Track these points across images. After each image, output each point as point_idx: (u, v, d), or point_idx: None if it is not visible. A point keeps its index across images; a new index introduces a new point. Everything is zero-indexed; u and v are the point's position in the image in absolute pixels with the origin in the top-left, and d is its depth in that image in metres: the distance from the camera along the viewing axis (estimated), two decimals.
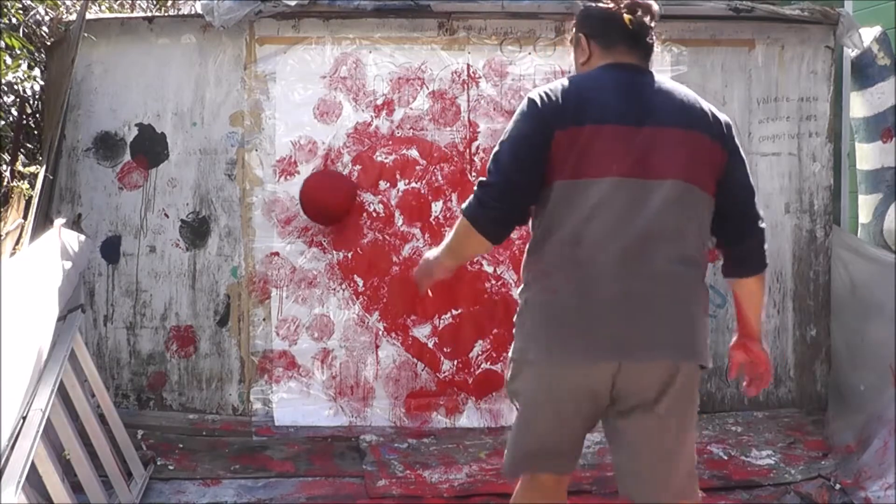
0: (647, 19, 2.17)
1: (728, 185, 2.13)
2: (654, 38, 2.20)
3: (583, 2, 2.26)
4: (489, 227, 2.09)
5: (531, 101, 2.09)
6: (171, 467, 3.62)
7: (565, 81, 2.13)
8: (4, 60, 3.64)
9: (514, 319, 2.17)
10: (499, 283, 4.16)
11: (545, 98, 2.08)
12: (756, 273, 2.22)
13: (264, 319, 4.10)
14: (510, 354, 2.19)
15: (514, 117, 2.11)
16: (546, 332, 2.07)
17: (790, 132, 4.30)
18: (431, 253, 2.27)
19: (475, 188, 2.11)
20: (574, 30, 2.24)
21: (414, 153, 4.14)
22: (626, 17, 2.14)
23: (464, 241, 2.16)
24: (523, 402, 2.16)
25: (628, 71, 2.14)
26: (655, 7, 2.22)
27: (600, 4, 2.18)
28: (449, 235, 2.21)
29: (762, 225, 2.19)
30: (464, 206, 2.12)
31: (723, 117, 2.16)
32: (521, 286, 2.16)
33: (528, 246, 2.15)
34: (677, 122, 2.07)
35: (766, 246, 2.22)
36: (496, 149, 2.10)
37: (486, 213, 2.07)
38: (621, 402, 2.07)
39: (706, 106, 2.15)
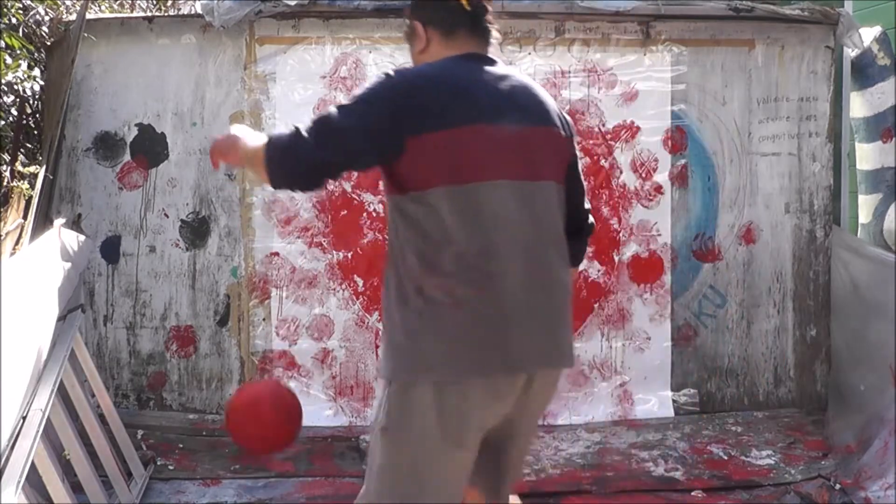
0: (478, 4, 2.04)
1: (571, 181, 2.11)
2: (492, 20, 2.08)
3: None
4: (277, 179, 1.89)
5: (390, 92, 1.88)
6: (171, 467, 3.62)
7: (425, 74, 1.95)
8: (4, 60, 3.64)
9: (388, 337, 1.96)
10: None
11: (406, 94, 1.87)
12: (577, 264, 2.22)
13: (264, 319, 4.10)
14: (386, 376, 1.96)
15: (368, 94, 1.88)
16: (457, 347, 1.85)
17: (790, 132, 4.30)
18: (239, 134, 2.01)
19: (293, 132, 1.86)
20: (408, 18, 2.10)
21: None
22: (450, 3, 2.02)
23: (254, 163, 1.93)
24: (415, 440, 1.89)
25: (481, 62, 2.00)
26: None
27: None
28: (251, 142, 1.97)
29: (590, 223, 2.23)
30: (275, 136, 1.89)
31: (563, 112, 2.14)
32: (398, 297, 1.93)
33: (405, 252, 1.92)
34: (545, 120, 2.02)
35: (586, 246, 2.28)
36: (333, 113, 1.85)
37: (284, 170, 1.87)
38: (519, 413, 1.96)
39: (549, 98, 2.09)
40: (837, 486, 3.41)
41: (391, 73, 1.93)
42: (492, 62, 2.03)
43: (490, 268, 1.86)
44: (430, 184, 1.86)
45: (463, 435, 1.88)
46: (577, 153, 2.17)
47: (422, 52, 2.07)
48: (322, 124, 1.85)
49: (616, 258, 4.24)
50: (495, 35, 2.09)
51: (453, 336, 1.86)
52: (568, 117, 2.15)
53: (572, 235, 2.10)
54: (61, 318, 2.89)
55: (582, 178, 2.19)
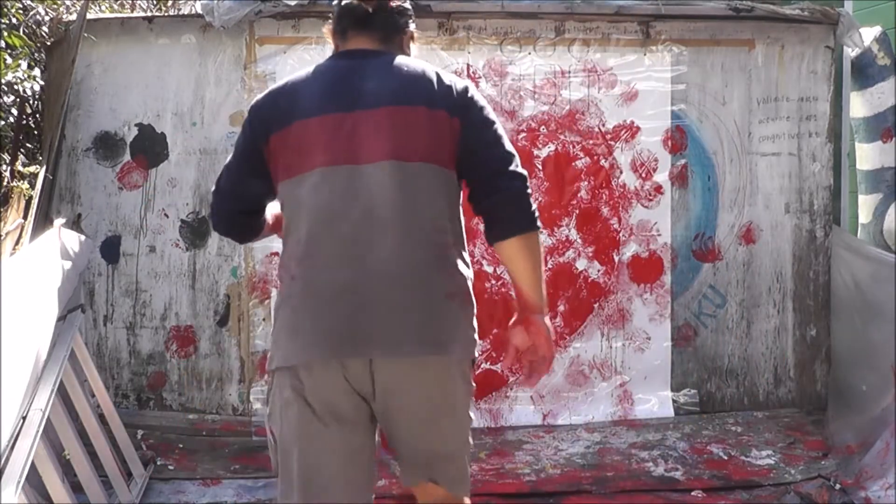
0: (380, 2, 2.06)
1: (467, 150, 1.97)
2: (400, 22, 2.09)
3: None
4: (223, 231, 2.19)
5: (249, 111, 2.07)
6: (171, 467, 3.62)
7: (285, 81, 2.06)
8: (4, 60, 3.64)
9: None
10: (499, 283, 4.15)
11: (258, 106, 2.04)
12: (507, 235, 1.94)
13: (264, 319, 4.09)
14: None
15: (241, 129, 2.08)
16: (283, 336, 1.94)
17: (790, 132, 4.30)
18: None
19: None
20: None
21: None
22: (343, 4, 2.06)
23: None
24: (277, 423, 1.99)
25: (351, 58, 2.03)
26: None
27: None
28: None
29: (514, 183, 1.96)
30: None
31: (455, 84, 2.00)
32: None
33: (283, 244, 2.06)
34: (388, 101, 1.93)
35: (520, 206, 1.96)
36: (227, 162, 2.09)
37: (212, 217, 2.16)
38: (385, 403, 1.93)
39: (434, 77, 1.99)
40: (837, 486, 3.41)
41: (253, 102, 2.08)
42: (372, 54, 2.03)
43: (307, 257, 1.91)
44: (277, 181, 1.99)
45: (309, 415, 1.90)
46: (482, 120, 2.00)
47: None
48: (218, 177, 2.10)
49: (616, 258, 4.24)
50: (408, 44, 2.12)
51: (281, 326, 1.95)
52: (462, 88, 2.00)
53: (481, 202, 1.98)
54: (61, 318, 2.89)
55: (489, 140, 1.99)
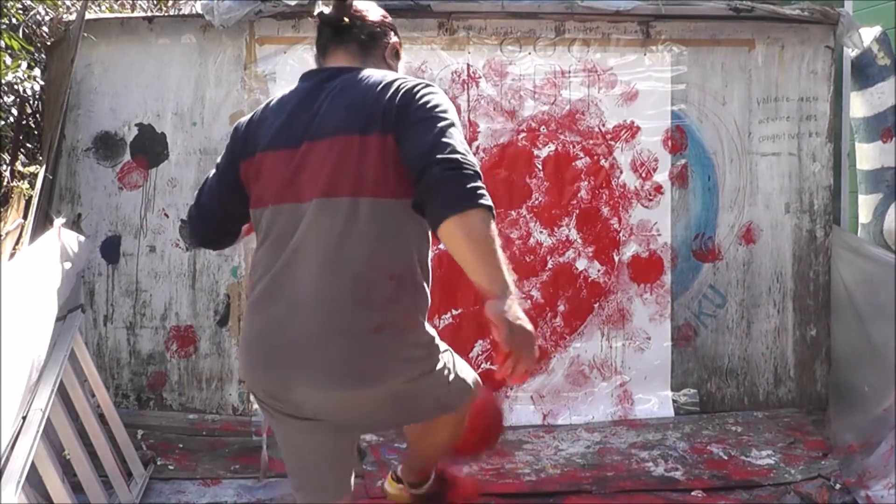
0: (341, 12, 2.04)
1: (403, 158, 1.85)
2: (378, 31, 2.09)
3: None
4: (190, 243, 2.27)
5: (232, 130, 2.15)
6: (171, 467, 3.62)
7: (264, 103, 2.11)
8: (4, 60, 3.64)
9: None
10: None
11: (238, 127, 2.11)
12: (438, 220, 1.74)
13: None
14: None
15: None
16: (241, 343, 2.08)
17: (790, 132, 4.30)
18: None
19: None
20: None
21: None
22: (320, 17, 2.06)
23: None
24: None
25: (316, 79, 2.02)
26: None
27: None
28: None
29: (443, 165, 1.75)
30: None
31: (401, 92, 1.89)
32: None
33: None
34: (331, 132, 1.90)
35: (451, 183, 1.75)
36: None
37: (186, 228, 2.28)
38: (326, 417, 2.00)
39: (381, 94, 1.90)
40: (837, 486, 3.41)
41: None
42: (338, 72, 2.01)
43: (251, 287, 2.00)
44: (250, 206, 2.07)
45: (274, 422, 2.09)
46: (418, 114, 1.86)
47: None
48: (199, 188, 2.18)
49: (616, 258, 4.24)
50: (390, 54, 2.13)
51: (242, 336, 2.07)
52: (405, 90, 1.90)
53: (415, 190, 1.82)
54: (61, 318, 2.89)
55: (421, 138, 1.82)
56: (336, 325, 1.86)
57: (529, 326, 1.75)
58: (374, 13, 2.12)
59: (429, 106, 1.86)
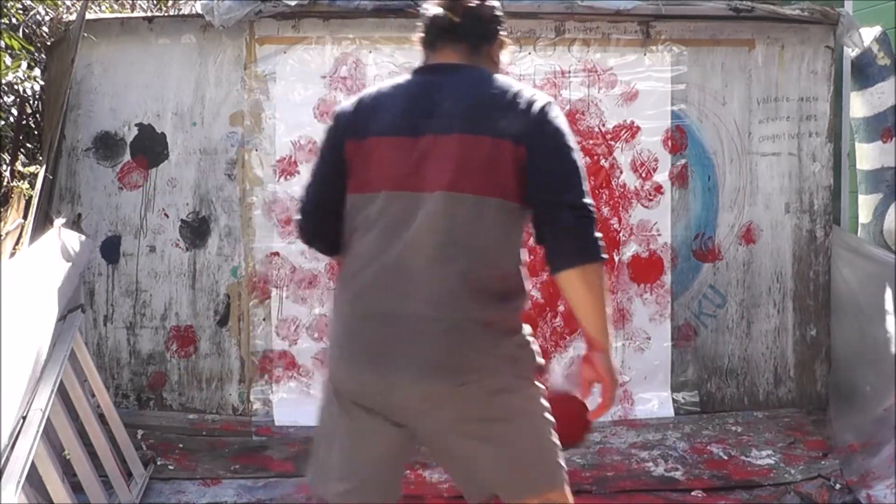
0: (455, 10, 2.03)
1: (530, 175, 1.91)
2: (490, 29, 2.07)
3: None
4: (308, 243, 2.16)
5: (333, 117, 2.09)
6: (171, 467, 3.62)
7: (369, 90, 2.09)
8: (4, 60, 3.64)
9: None
10: None
11: (342, 110, 2.07)
12: (562, 267, 1.88)
13: (264, 319, 4.09)
14: None
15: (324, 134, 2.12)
16: (329, 345, 2.05)
17: (790, 132, 4.30)
18: None
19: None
20: None
21: None
22: (434, 9, 2.05)
23: None
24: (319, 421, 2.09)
25: (432, 73, 2.04)
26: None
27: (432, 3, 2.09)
28: None
29: (570, 214, 1.87)
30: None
31: (533, 106, 1.93)
32: None
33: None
34: (457, 128, 1.92)
35: (576, 237, 1.88)
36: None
37: (299, 234, 2.16)
38: (416, 424, 1.96)
39: (509, 99, 1.94)
40: (838, 486, 3.41)
41: (337, 106, 2.14)
42: (453, 69, 2.02)
43: (358, 277, 1.95)
44: (348, 191, 2.01)
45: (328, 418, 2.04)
46: (550, 141, 1.93)
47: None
48: (303, 188, 2.13)
49: (616, 258, 4.24)
50: (499, 51, 2.10)
51: (331, 335, 2.04)
52: (536, 109, 1.93)
53: (538, 232, 1.94)
54: (61, 319, 2.89)
55: (552, 167, 1.91)
56: (448, 317, 1.88)
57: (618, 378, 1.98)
58: (486, 10, 2.07)
59: (561, 133, 1.94)
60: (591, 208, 1.90)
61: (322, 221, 2.07)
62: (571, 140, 1.95)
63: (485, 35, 2.07)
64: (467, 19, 2.03)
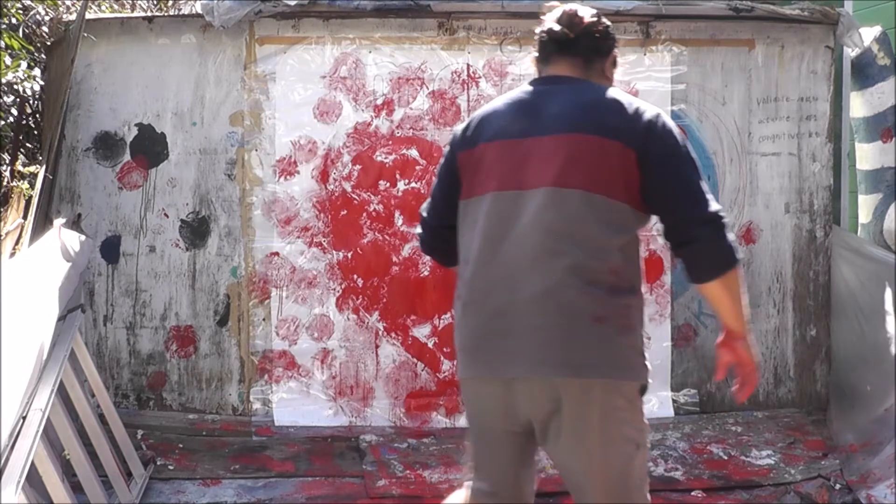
0: (572, 27, 2.13)
1: (652, 188, 1.98)
2: (604, 46, 2.16)
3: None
4: (431, 255, 2.40)
5: (450, 138, 2.21)
6: (171, 467, 3.62)
7: (484, 107, 2.19)
8: (4, 60, 3.64)
9: None
10: None
11: (459, 128, 2.18)
12: (703, 280, 2.01)
13: (264, 319, 4.09)
14: None
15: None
16: (457, 349, 2.11)
17: (790, 132, 4.30)
18: None
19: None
20: None
21: (414, 153, 4.14)
22: (552, 25, 2.16)
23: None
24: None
25: (543, 84, 2.13)
26: (581, 10, 2.16)
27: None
28: None
29: (706, 230, 1.96)
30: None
31: (643, 115, 1.99)
32: None
33: None
34: (565, 128, 1.99)
35: (714, 252, 1.98)
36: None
37: (423, 248, 2.37)
38: (534, 417, 1.99)
39: (619, 107, 2.01)
40: (837, 486, 3.41)
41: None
42: (563, 81, 2.10)
43: (472, 279, 2.03)
44: (459, 198, 2.12)
45: (473, 420, 2.11)
46: (666, 151, 1.99)
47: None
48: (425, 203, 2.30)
49: None
50: (610, 68, 2.19)
51: (455, 339, 2.11)
52: (650, 119, 1.99)
53: (675, 247, 2.05)
54: (61, 319, 2.89)
55: (675, 182, 1.98)
56: (559, 312, 1.92)
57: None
58: (601, 27, 2.16)
59: (673, 141, 2.01)
60: (722, 214, 1.96)
61: (439, 235, 2.22)
62: (685, 148, 2.02)
63: (598, 50, 2.16)
64: (583, 35, 2.12)
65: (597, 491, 1.99)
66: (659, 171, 1.98)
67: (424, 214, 2.27)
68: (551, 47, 2.14)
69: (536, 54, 2.18)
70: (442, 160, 2.21)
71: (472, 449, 2.14)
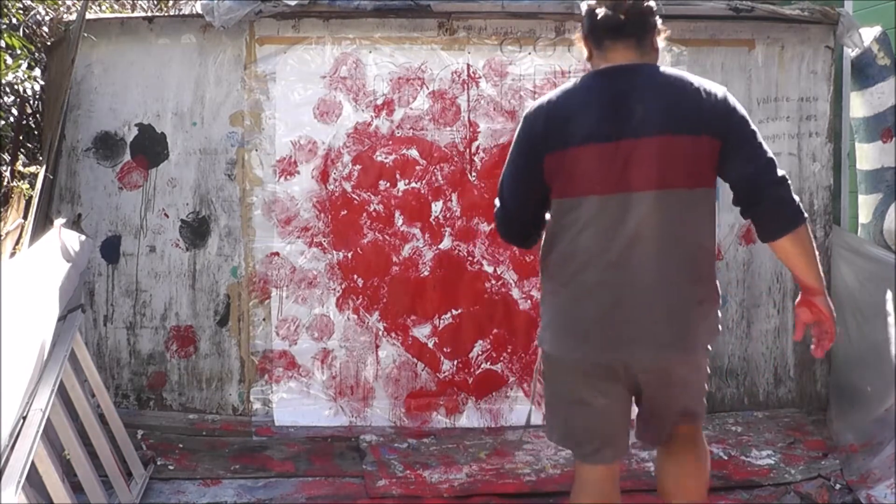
0: (630, 7, 2.23)
1: (731, 165, 2.20)
2: (651, 21, 2.27)
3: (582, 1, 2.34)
4: (509, 242, 2.55)
5: (523, 125, 2.30)
6: (171, 467, 3.62)
7: (556, 96, 2.27)
8: (4, 60, 3.65)
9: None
10: (499, 283, 4.16)
11: (533, 121, 2.27)
12: (777, 235, 2.22)
13: (264, 319, 4.10)
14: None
15: (515, 138, 2.33)
16: (552, 329, 2.32)
17: (790, 132, 4.30)
18: None
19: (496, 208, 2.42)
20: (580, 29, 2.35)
21: (414, 153, 4.14)
22: (600, 11, 2.22)
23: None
24: (547, 387, 2.40)
25: (614, 76, 2.23)
26: None
27: (590, 1, 2.28)
28: None
29: (776, 190, 2.19)
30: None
31: (716, 100, 2.20)
32: (540, 275, 2.40)
33: (542, 243, 2.37)
34: (657, 130, 2.16)
35: (785, 208, 2.20)
36: (503, 171, 2.36)
37: (500, 233, 2.46)
38: (644, 387, 2.31)
39: (697, 96, 2.20)
40: (838, 486, 3.41)
41: (525, 113, 2.33)
42: (630, 70, 2.23)
43: (571, 271, 2.23)
44: (552, 195, 2.27)
45: (564, 391, 2.35)
46: (740, 129, 2.21)
47: (588, 59, 2.34)
48: (501, 179, 2.38)
49: None
50: (657, 39, 2.30)
51: (550, 321, 2.33)
52: (723, 104, 2.21)
53: (748, 209, 2.23)
54: (61, 319, 2.89)
55: (751, 154, 2.20)
56: (674, 300, 2.20)
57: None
58: (644, 4, 2.26)
59: (746, 120, 2.23)
60: (786, 176, 2.21)
61: (522, 222, 2.37)
62: (750, 121, 2.24)
63: (646, 27, 2.26)
64: (632, 15, 2.21)
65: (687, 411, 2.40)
66: (740, 150, 2.19)
67: (505, 203, 2.36)
68: (603, 33, 2.23)
69: (586, 37, 2.28)
70: (521, 154, 2.30)
71: (574, 423, 2.34)
